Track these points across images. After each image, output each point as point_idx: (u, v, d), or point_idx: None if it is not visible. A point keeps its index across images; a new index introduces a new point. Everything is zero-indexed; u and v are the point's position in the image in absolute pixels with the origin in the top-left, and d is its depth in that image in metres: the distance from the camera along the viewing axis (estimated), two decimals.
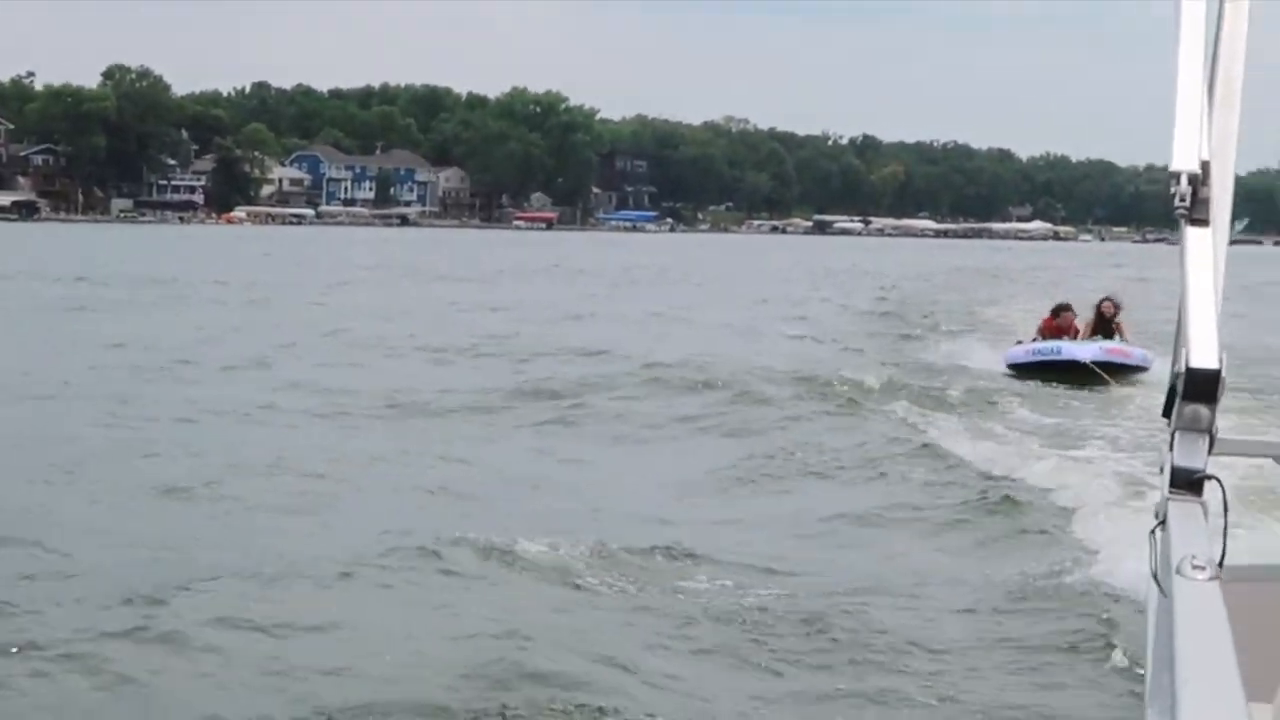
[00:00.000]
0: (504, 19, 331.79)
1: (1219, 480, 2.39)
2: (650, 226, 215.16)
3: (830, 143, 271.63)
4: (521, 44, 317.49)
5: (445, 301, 49.94)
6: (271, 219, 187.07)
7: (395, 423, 21.35)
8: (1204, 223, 2.53)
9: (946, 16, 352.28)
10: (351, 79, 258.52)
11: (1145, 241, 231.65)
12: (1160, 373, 27.20)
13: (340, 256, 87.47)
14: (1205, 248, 2.50)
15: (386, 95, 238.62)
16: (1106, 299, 31.15)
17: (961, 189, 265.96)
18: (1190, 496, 2.37)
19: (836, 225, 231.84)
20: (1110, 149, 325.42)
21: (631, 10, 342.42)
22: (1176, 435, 2.39)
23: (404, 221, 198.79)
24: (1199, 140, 2.54)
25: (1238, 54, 2.69)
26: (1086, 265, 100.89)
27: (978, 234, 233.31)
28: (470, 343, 33.70)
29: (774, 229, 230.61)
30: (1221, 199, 2.57)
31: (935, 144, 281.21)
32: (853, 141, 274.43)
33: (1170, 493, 2.39)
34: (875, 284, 68.91)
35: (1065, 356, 28.80)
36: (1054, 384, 27.34)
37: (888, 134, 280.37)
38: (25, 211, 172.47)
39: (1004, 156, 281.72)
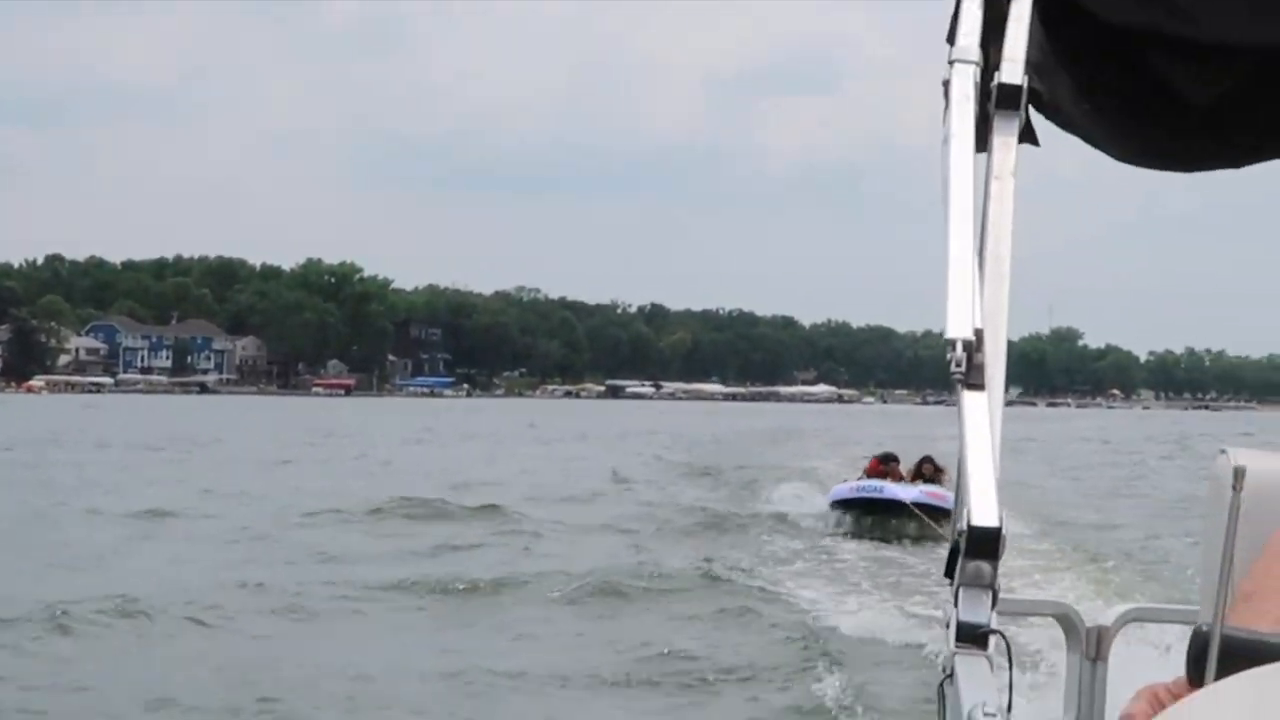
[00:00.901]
0: (296, 190, 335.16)
1: (1003, 635, 2.48)
2: (448, 392, 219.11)
3: (620, 311, 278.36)
4: (315, 215, 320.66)
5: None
6: (70, 387, 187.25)
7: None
8: (979, 387, 2.64)
9: (726, 188, 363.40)
10: (145, 250, 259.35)
11: (926, 403, 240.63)
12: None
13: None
14: (981, 411, 2.60)
15: (181, 267, 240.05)
16: (927, 459, 32.75)
17: (748, 354, 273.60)
18: (976, 650, 2.45)
19: (629, 390, 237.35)
20: (889, 315, 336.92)
21: (423, 184, 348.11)
22: (960, 591, 2.48)
23: (203, 389, 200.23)
24: (972, 309, 2.68)
25: (1004, 230, 2.89)
26: (873, 424, 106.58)
27: (765, 397, 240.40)
28: None
29: (568, 394, 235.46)
30: (995, 364, 2.70)
31: (721, 311, 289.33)
32: (641, 310, 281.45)
33: (956, 647, 2.46)
34: (685, 442, 72.77)
35: (887, 495, 30.37)
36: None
37: (675, 302, 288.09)
38: None
39: (787, 323, 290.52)
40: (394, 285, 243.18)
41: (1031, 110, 3.14)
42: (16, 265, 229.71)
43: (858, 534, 30.07)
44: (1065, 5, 3.15)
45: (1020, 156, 3.05)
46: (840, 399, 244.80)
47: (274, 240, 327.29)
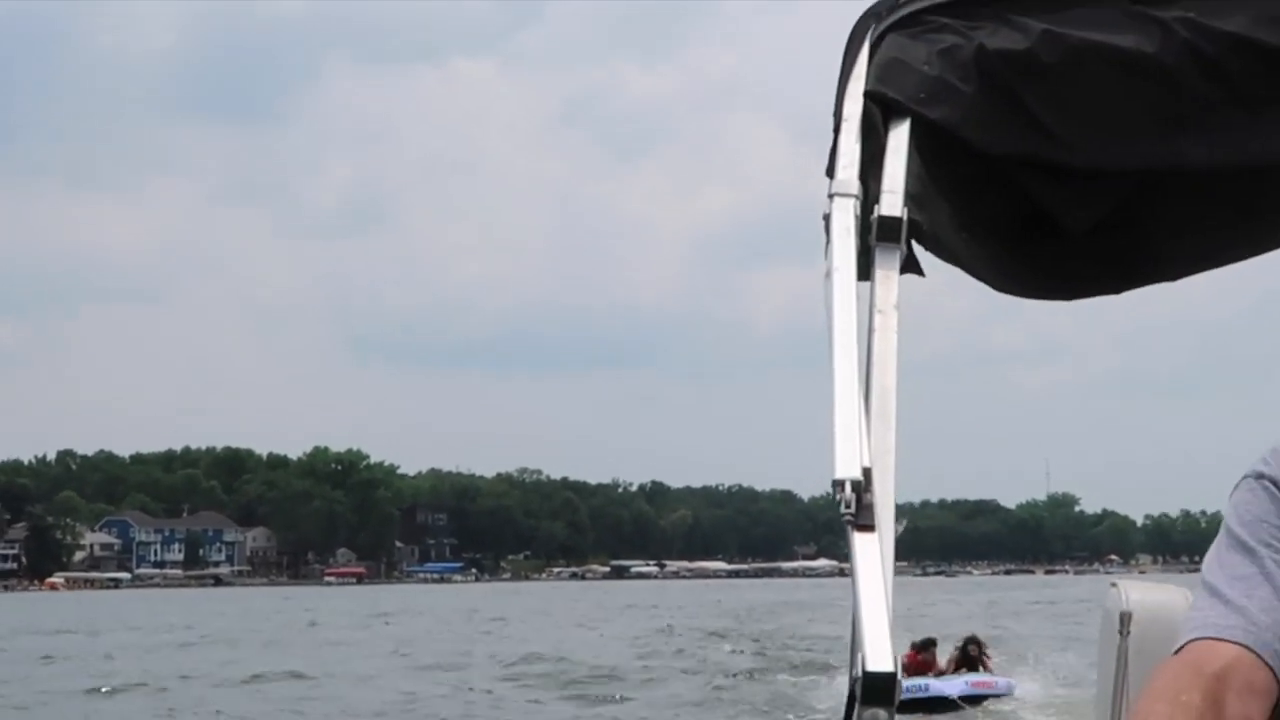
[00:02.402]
0: (293, 372, 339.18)
1: None
2: (457, 577, 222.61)
3: (620, 490, 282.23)
4: (313, 395, 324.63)
5: None
6: (90, 584, 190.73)
7: None
8: (870, 528, 2.53)
9: (716, 358, 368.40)
10: (153, 443, 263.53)
11: (926, 574, 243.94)
12: (1024, 694, 32.50)
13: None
14: (873, 552, 2.49)
15: (189, 458, 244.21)
16: (972, 641, 33.90)
17: (748, 530, 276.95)
18: None
19: (633, 570, 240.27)
20: None
21: (417, 361, 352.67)
22: None
23: (217, 581, 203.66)
24: (859, 448, 2.60)
25: (889, 365, 2.85)
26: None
27: (768, 573, 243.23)
28: None
29: (573, 575, 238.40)
30: (885, 504, 2.62)
31: (721, 488, 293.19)
32: (642, 488, 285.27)
33: None
34: (718, 623, 76.25)
35: (933, 693, 30.75)
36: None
37: (675, 479, 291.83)
38: None
39: (787, 497, 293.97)
40: (399, 469, 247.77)
41: (914, 242, 3.19)
42: (27, 461, 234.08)
43: None
44: (943, 136, 3.25)
45: (908, 290, 3.07)
46: (841, 573, 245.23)
47: (276, 424, 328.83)
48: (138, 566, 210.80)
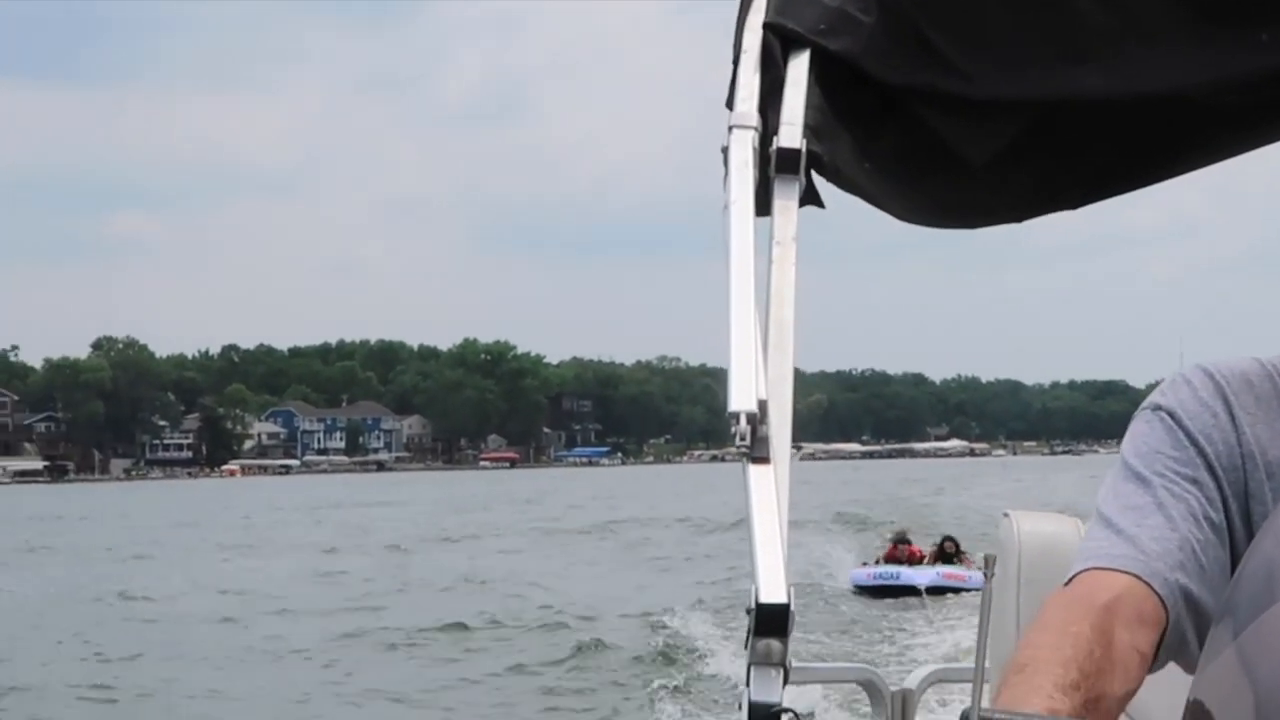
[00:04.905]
0: (435, 263, 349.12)
1: (795, 713, 2.40)
2: (604, 461, 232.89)
3: None
4: (464, 294, 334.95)
5: None
6: (263, 470, 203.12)
7: None
8: (765, 460, 2.55)
9: (858, 248, 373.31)
10: (308, 336, 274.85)
11: (1054, 454, 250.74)
12: None
13: None
14: (768, 485, 2.51)
15: (344, 351, 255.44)
16: (948, 539, 34.92)
17: (881, 413, 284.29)
18: None
19: None
20: (1017, 369, 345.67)
21: (562, 260, 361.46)
22: (752, 670, 2.40)
23: (380, 467, 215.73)
24: (755, 380, 2.62)
25: (787, 297, 2.90)
26: (1004, 474, 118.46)
27: (901, 454, 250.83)
28: None
29: (713, 458, 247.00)
30: (781, 436, 2.64)
31: (854, 372, 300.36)
32: None
33: None
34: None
35: (903, 581, 31.92)
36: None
37: (809, 365, 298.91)
38: (56, 473, 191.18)
39: (919, 381, 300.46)
40: (544, 359, 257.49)
41: (814, 174, 3.15)
42: (190, 355, 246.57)
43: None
44: (842, 68, 3.18)
45: (809, 220, 3.09)
46: (972, 453, 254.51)
47: (424, 316, 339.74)
48: (302, 454, 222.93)
